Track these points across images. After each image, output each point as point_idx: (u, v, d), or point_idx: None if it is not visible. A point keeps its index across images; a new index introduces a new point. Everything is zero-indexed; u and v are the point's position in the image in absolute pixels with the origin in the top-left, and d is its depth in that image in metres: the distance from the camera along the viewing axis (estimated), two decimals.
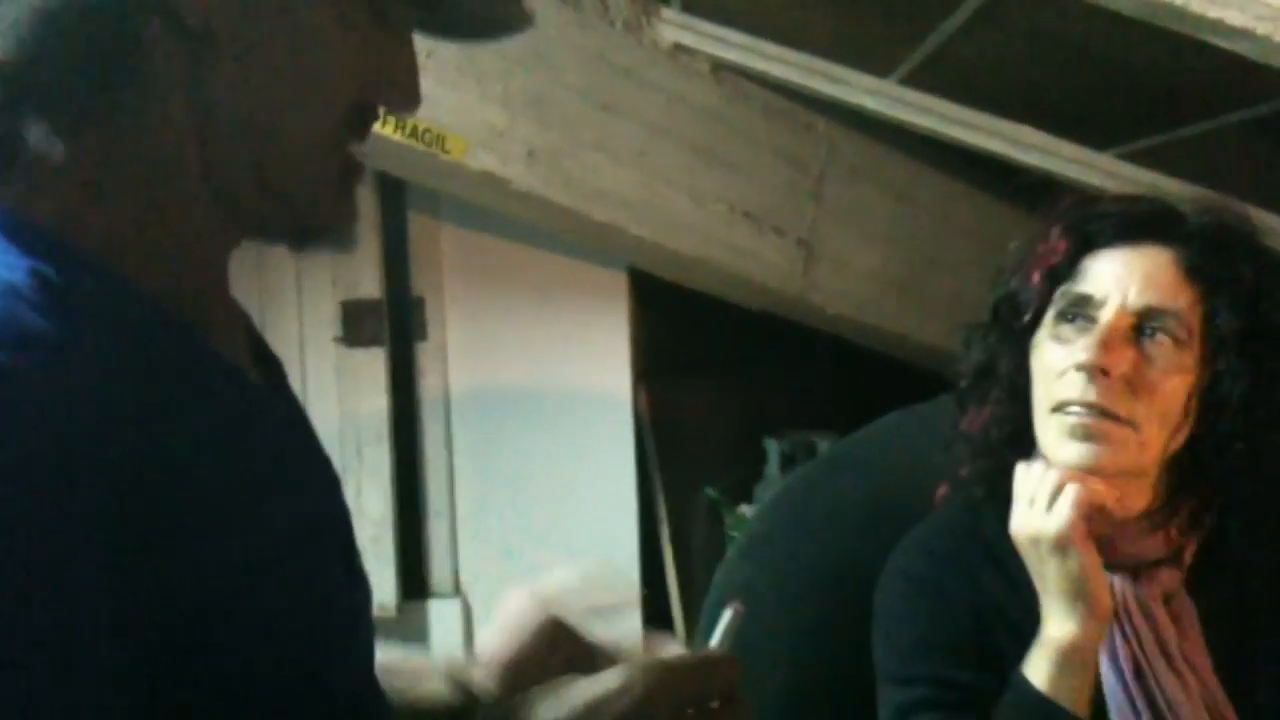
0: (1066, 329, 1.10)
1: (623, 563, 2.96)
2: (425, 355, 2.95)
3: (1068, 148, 2.39)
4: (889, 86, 2.40)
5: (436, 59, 2.19)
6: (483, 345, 2.95)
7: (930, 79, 2.31)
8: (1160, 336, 1.06)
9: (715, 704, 0.65)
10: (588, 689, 0.63)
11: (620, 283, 2.93)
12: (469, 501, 2.99)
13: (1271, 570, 1.11)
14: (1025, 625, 1.07)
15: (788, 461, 3.09)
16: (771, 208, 2.63)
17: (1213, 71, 1.72)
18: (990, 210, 2.91)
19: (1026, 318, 1.13)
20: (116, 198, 0.60)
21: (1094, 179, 2.36)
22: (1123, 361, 1.04)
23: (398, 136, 2.16)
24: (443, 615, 2.97)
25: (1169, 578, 1.11)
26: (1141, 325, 1.06)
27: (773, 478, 3.11)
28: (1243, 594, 1.12)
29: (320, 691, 0.60)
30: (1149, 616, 1.09)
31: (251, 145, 0.62)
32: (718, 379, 3.24)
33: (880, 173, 2.77)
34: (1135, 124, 2.16)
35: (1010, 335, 1.16)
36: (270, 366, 0.73)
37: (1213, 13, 1.33)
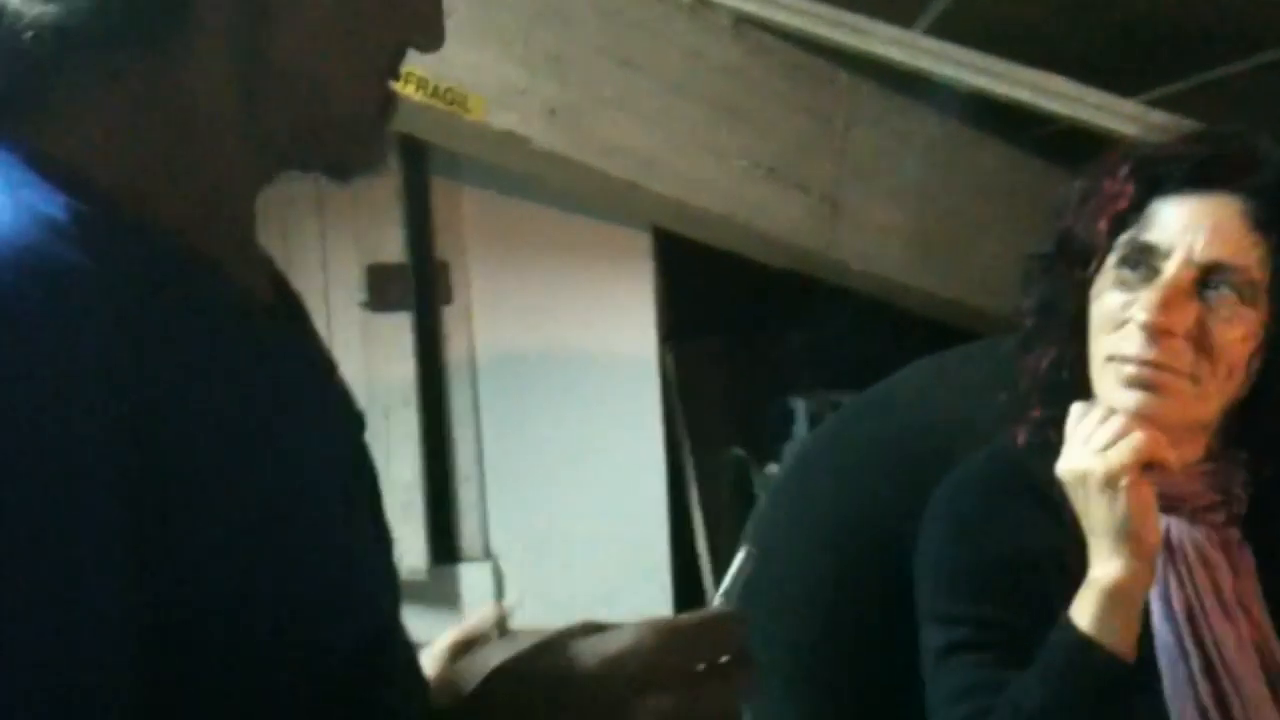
0: (1129, 276, 1.06)
1: (651, 524, 2.96)
2: (450, 319, 2.95)
3: (1093, 94, 2.37)
4: (912, 36, 2.38)
5: (456, 18, 2.18)
6: (508, 309, 2.95)
7: (954, 28, 2.29)
8: (1225, 291, 1.02)
9: (724, 660, 0.65)
10: (598, 647, 0.63)
11: (644, 243, 2.91)
12: (498, 465, 3.00)
13: None
14: (1073, 567, 1.06)
15: (815, 421, 3.07)
16: (794, 163, 2.61)
17: (1235, 14, 1.70)
18: (1016, 163, 2.88)
19: (1090, 265, 1.10)
20: (149, 140, 0.60)
21: (1121, 126, 2.33)
22: (1186, 318, 1.01)
23: (419, 97, 2.16)
24: (474, 579, 2.98)
25: (1226, 523, 1.09)
26: (1206, 279, 1.03)
27: (800, 438, 3.10)
28: None
29: (339, 633, 0.60)
30: (1205, 560, 1.07)
31: (300, 97, 0.62)
32: (744, 339, 3.23)
33: (904, 126, 2.74)
34: (1161, 69, 2.14)
35: (1072, 276, 1.13)
36: (294, 310, 0.73)
37: None
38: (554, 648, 0.64)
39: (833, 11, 2.40)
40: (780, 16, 2.44)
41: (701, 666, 0.64)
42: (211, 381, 0.56)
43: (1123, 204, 1.07)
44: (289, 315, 0.71)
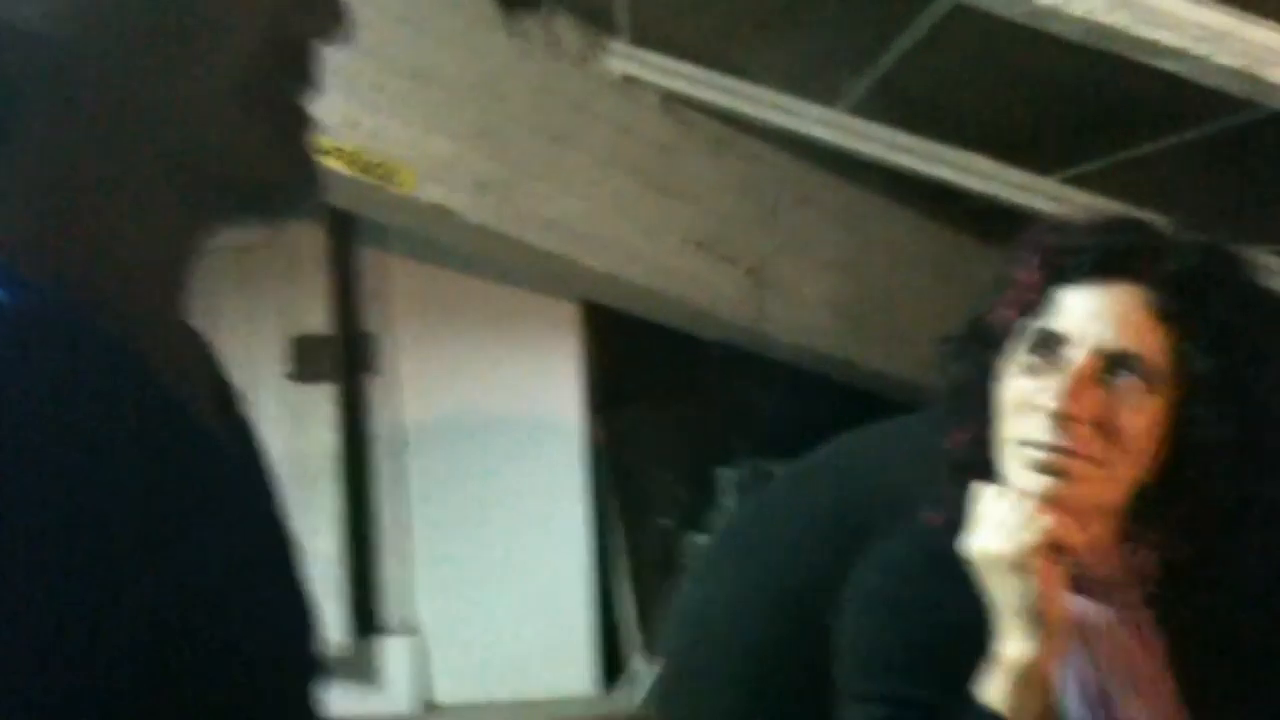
0: (1036, 362, 1.08)
1: (577, 596, 2.94)
2: (376, 390, 2.92)
3: (1013, 173, 2.42)
4: (837, 116, 2.42)
5: (385, 92, 2.19)
6: (436, 379, 2.93)
7: (878, 107, 2.34)
8: (1131, 378, 1.04)
9: None
10: None
11: (572, 314, 2.92)
12: (424, 537, 2.96)
13: (1236, 599, 1.12)
14: (990, 643, 1.07)
15: (744, 491, 3.09)
16: (723, 237, 2.64)
17: (1152, 95, 1.75)
18: (939, 237, 2.94)
19: (997, 350, 1.12)
20: (49, 217, 0.56)
21: (1040, 203, 2.39)
22: (1093, 406, 1.03)
23: (348, 170, 2.14)
24: (396, 653, 2.93)
25: (1135, 604, 1.11)
26: (1111, 367, 1.05)
27: (727, 506, 3.10)
28: (1206, 622, 1.12)
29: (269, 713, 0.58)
30: (1116, 641, 1.09)
31: (157, 127, 0.57)
32: (672, 408, 3.23)
33: (830, 202, 2.79)
34: (1078, 148, 2.19)
35: (983, 361, 1.15)
36: (225, 399, 0.71)
37: (1150, 34, 1.36)
38: None
39: (758, 90, 2.43)
40: (707, 95, 2.47)
41: None
42: (119, 484, 0.54)
43: (1030, 294, 1.09)
44: (227, 409, 0.69)
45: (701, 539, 3.09)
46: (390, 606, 2.96)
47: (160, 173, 0.58)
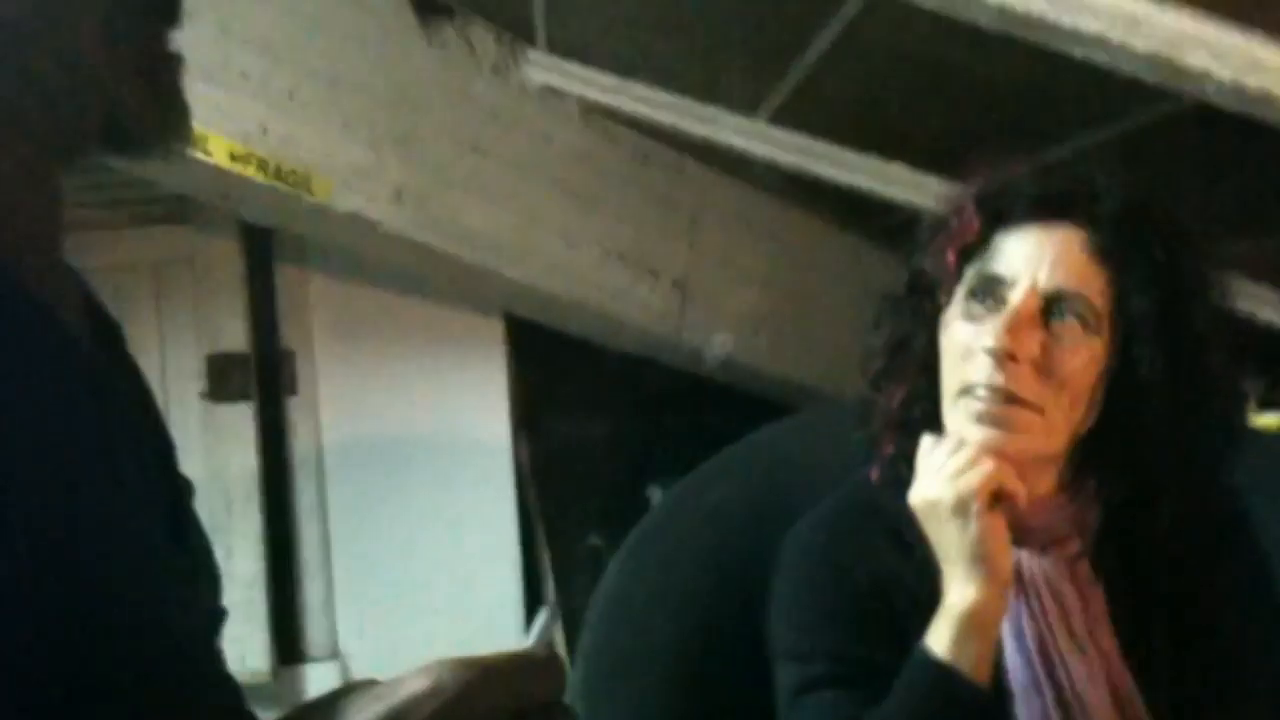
0: (976, 307, 1.08)
1: (506, 617, 2.89)
2: (296, 410, 2.87)
3: (931, 181, 2.45)
4: (756, 125, 2.44)
5: (298, 98, 2.16)
6: (356, 398, 2.88)
7: (797, 115, 2.35)
8: (1069, 319, 1.04)
9: (536, 711, 0.58)
10: (391, 693, 0.56)
11: (496, 329, 2.90)
12: (346, 560, 2.90)
13: (1175, 548, 1.12)
14: (926, 600, 1.06)
15: (645, 515, 3.06)
16: (645, 250, 2.63)
17: (1067, 93, 1.77)
18: (858, 250, 2.96)
19: (940, 296, 1.11)
20: None
21: None
22: (1031, 345, 1.03)
23: (261, 178, 2.11)
24: (320, 680, 2.86)
25: (1075, 554, 1.10)
26: (1050, 307, 1.04)
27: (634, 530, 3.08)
28: (1145, 571, 1.12)
29: (128, 653, 0.54)
30: (1055, 592, 1.08)
31: (25, 59, 0.57)
32: (600, 427, 3.21)
33: (751, 214, 2.80)
34: (998, 153, 2.22)
35: (922, 312, 1.14)
36: (108, 336, 0.68)
37: (1068, 20, 1.37)
38: (348, 699, 0.57)
39: (676, 100, 2.44)
40: (627, 105, 2.47)
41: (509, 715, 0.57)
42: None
43: (969, 237, 1.09)
44: (102, 342, 0.67)
45: None
46: (312, 632, 2.90)
47: (28, 103, 0.58)
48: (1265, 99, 1.38)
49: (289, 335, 2.86)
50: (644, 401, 3.16)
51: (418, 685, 0.55)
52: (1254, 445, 1.13)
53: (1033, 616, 1.07)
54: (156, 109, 0.63)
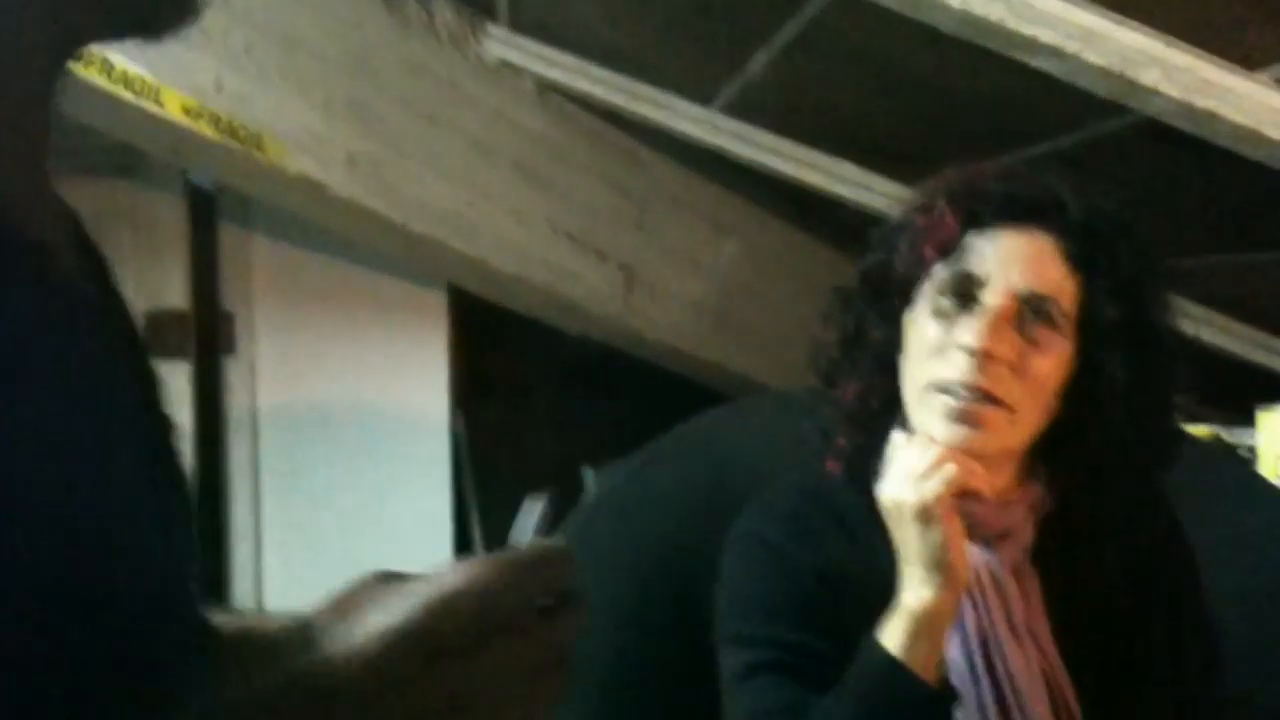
0: (947, 305, 1.09)
1: None
2: (233, 371, 2.84)
3: (880, 182, 2.48)
4: (710, 114, 2.45)
5: (253, 57, 2.14)
6: (294, 363, 2.86)
7: (752, 108, 2.37)
8: (1041, 321, 1.08)
9: (558, 599, 0.58)
10: (426, 591, 0.55)
11: (439, 302, 2.89)
12: (275, 525, 2.88)
13: (1112, 545, 1.15)
14: (871, 592, 1.08)
15: (594, 493, 3.08)
16: (594, 231, 2.64)
17: (1023, 102, 1.81)
18: (805, 246, 2.99)
19: (909, 290, 1.13)
20: None
21: None
22: (1007, 345, 1.05)
23: (213, 134, 2.09)
24: None
25: (1016, 550, 1.14)
26: (1024, 309, 1.08)
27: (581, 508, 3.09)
28: (1083, 566, 1.15)
29: (106, 591, 0.54)
30: (998, 585, 1.11)
31: None
32: (538, 406, 3.22)
33: (700, 203, 2.82)
34: (948, 158, 2.25)
35: (880, 305, 1.16)
36: (97, 271, 0.67)
37: (1026, 29, 1.40)
38: (379, 595, 0.57)
39: (633, 84, 2.45)
40: (583, 85, 2.47)
41: (535, 608, 0.57)
42: None
43: (944, 234, 1.11)
44: (90, 276, 0.65)
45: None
46: (239, 592, 2.87)
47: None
48: (1212, 119, 1.42)
49: (229, 296, 2.83)
50: (584, 383, 3.16)
51: (454, 580, 0.55)
52: (1186, 451, 1.18)
53: (975, 608, 1.10)
54: None
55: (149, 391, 0.66)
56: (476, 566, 0.56)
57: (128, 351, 0.65)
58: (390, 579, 0.59)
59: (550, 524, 0.65)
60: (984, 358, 1.05)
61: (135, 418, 0.63)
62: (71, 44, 0.58)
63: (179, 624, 0.62)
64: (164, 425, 0.66)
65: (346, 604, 0.58)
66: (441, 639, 0.54)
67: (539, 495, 0.65)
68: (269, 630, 0.67)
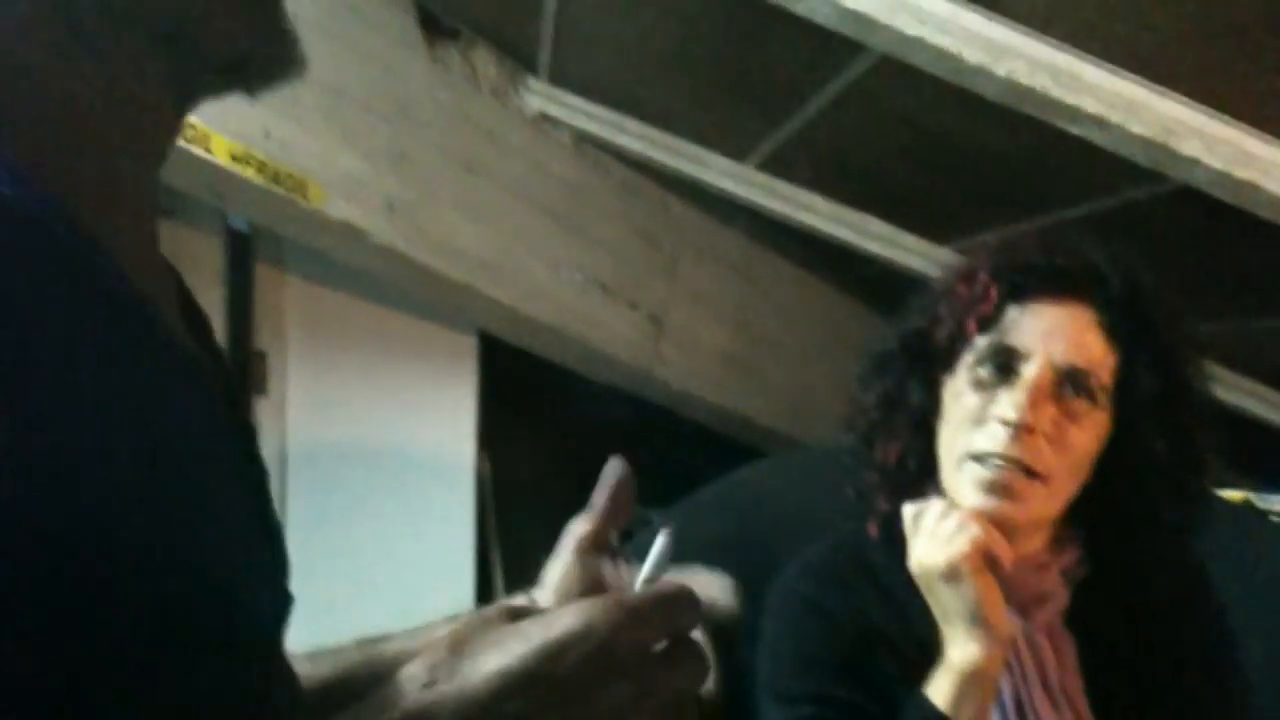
0: (987, 376, 1.12)
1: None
2: (263, 411, 2.86)
3: (909, 239, 2.51)
4: (744, 170, 2.49)
5: (300, 105, 2.18)
6: (324, 404, 2.88)
7: (785, 164, 2.40)
8: (1080, 395, 1.10)
9: (678, 642, 0.58)
10: (542, 634, 0.55)
11: (470, 346, 2.91)
12: (300, 566, 2.87)
13: (1145, 610, 1.16)
14: (907, 652, 1.09)
15: (625, 536, 3.09)
16: (626, 281, 2.67)
17: (1056, 167, 1.83)
18: (833, 300, 3.02)
19: (949, 359, 1.15)
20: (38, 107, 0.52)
21: (933, 271, 2.47)
22: (1045, 418, 1.07)
23: (258, 180, 2.12)
24: None
25: (1053, 614, 1.15)
26: (1063, 382, 1.10)
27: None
28: (1117, 631, 1.16)
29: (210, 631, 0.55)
30: (1034, 650, 1.12)
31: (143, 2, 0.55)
32: (563, 452, 3.23)
33: (729, 255, 2.85)
34: (977, 218, 2.28)
35: (920, 373, 1.18)
36: (200, 331, 0.68)
37: (1070, 99, 1.42)
38: (494, 636, 0.56)
39: (669, 139, 2.49)
40: (619, 139, 2.51)
41: (657, 649, 0.57)
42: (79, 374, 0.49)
43: (986, 307, 1.13)
44: (194, 333, 0.67)
45: None
46: None
47: (146, 48, 0.56)
48: (1252, 189, 1.44)
49: (262, 336, 2.86)
50: (608, 431, 3.18)
51: (570, 623, 0.55)
52: (1216, 513, 1.19)
53: (1011, 672, 1.12)
54: (273, 44, 0.62)
55: (249, 445, 0.69)
56: (594, 608, 0.56)
57: (228, 407, 0.67)
58: (508, 615, 0.59)
59: (667, 559, 0.64)
60: (1022, 430, 1.07)
61: (240, 471, 0.65)
62: (185, 104, 0.60)
63: (280, 666, 0.64)
64: (262, 477, 0.69)
65: (462, 641, 0.58)
66: (556, 683, 0.54)
67: (666, 525, 0.65)
68: (386, 660, 0.68)
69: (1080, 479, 1.11)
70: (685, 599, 0.59)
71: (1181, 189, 1.62)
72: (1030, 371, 1.09)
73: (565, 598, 0.71)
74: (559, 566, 0.74)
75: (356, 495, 2.89)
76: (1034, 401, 1.07)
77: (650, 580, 0.63)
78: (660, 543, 0.65)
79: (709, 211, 2.79)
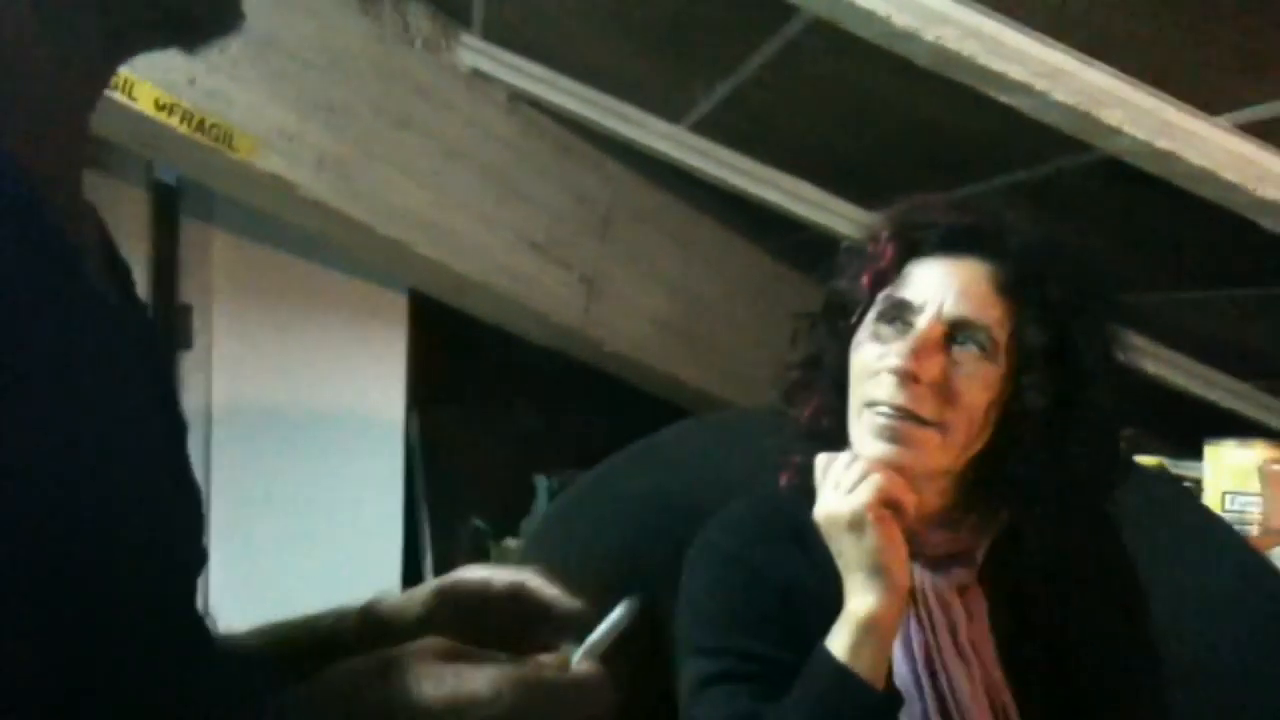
0: (885, 329, 1.15)
1: (382, 587, 2.89)
2: (188, 365, 2.82)
3: (841, 204, 2.52)
4: (678, 131, 2.48)
5: (228, 55, 2.14)
6: (251, 359, 2.85)
7: (720, 127, 2.40)
8: (970, 346, 1.12)
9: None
10: (458, 685, 0.58)
11: (400, 305, 2.89)
12: (223, 523, 2.85)
13: (1052, 568, 1.19)
14: (826, 604, 1.11)
15: (555, 499, 3.10)
16: (558, 241, 2.66)
17: (985, 135, 1.84)
18: (766, 266, 3.03)
19: (852, 318, 1.18)
20: None
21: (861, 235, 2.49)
22: (932, 368, 1.10)
23: (184, 129, 2.08)
24: None
25: (964, 571, 1.18)
26: (953, 334, 1.12)
27: (540, 513, 3.11)
28: (1027, 589, 1.19)
29: (119, 585, 0.55)
30: (944, 606, 1.15)
31: None
32: (494, 412, 3.23)
33: (663, 218, 2.85)
34: (908, 184, 2.29)
35: (836, 331, 1.21)
36: (119, 271, 0.67)
37: (997, 65, 1.43)
38: (432, 660, 0.59)
39: (605, 98, 2.47)
40: (554, 97, 2.49)
41: None
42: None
43: (883, 264, 1.16)
44: (113, 275, 0.66)
45: (511, 543, 3.09)
46: None
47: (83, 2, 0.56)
48: (1173, 160, 1.47)
49: (188, 290, 2.81)
50: (540, 392, 3.18)
51: (479, 687, 0.57)
52: (1133, 478, 1.22)
53: (921, 626, 1.14)
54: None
55: (169, 396, 0.68)
56: (510, 678, 0.58)
57: (147, 356, 0.67)
58: (441, 650, 0.61)
59: (632, 628, 0.65)
60: (908, 378, 1.10)
61: (157, 420, 0.64)
62: (118, 54, 0.59)
63: (194, 621, 0.63)
64: (182, 432, 0.68)
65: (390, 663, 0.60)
66: None
67: (633, 597, 0.65)
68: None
69: (977, 431, 1.14)
70: (596, 690, 0.61)
71: (1108, 159, 1.65)
72: (920, 322, 1.12)
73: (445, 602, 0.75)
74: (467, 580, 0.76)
75: (282, 452, 2.87)
76: (921, 351, 1.10)
77: (594, 649, 0.64)
78: (617, 614, 0.66)
79: (644, 173, 2.78)
